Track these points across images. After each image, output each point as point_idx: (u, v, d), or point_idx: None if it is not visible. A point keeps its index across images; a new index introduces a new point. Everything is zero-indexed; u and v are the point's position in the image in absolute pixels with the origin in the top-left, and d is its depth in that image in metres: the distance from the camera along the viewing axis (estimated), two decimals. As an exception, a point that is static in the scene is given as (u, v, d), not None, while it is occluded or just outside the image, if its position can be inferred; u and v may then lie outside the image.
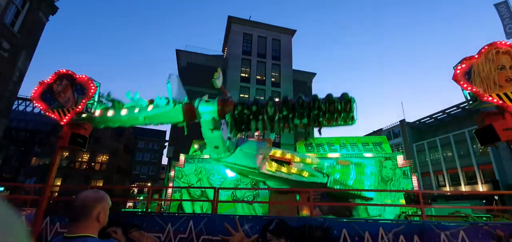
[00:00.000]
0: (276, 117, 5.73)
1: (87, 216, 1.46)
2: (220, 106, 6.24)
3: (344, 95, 5.55)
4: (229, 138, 7.47)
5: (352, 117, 5.52)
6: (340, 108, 5.44)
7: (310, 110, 5.56)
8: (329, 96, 5.63)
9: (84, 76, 5.97)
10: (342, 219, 6.18)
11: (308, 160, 8.36)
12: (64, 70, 6.09)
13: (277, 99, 6.03)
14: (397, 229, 4.62)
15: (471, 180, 30.20)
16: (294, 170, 8.03)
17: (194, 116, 6.42)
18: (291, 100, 5.84)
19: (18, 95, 19.36)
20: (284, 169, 8.04)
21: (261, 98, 29.31)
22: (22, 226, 0.65)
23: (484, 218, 8.47)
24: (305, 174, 7.96)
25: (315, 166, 8.34)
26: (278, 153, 8.48)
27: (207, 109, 6.34)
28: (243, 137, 8.10)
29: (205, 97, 6.59)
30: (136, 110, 6.35)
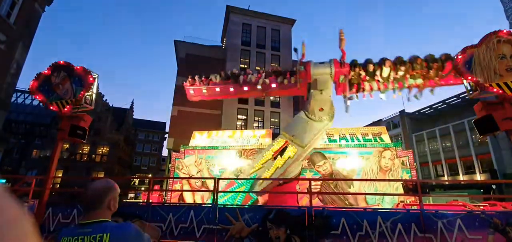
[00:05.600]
0: (391, 77, 5.81)
1: (100, 204, 1.55)
2: (336, 69, 6.28)
3: (446, 55, 5.66)
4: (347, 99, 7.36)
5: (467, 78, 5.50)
6: (459, 69, 5.41)
7: (428, 70, 5.60)
8: (446, 54, 5.68)
9: (81, 67, 5.93)
10: (341, 208, 6.25)
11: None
12: (61, 62, 6.04)
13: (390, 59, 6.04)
14: (395, 218, 4.69)
15: (469, 170, 30.44)
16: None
17: (309, 77, 6.50)
18: (407, 59, 5.85)
19: (16, 88, 19.26)
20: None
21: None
22: (28, 220, 0.64)
23: (482, 207, 8.57)
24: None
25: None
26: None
27: (321, 71, 6.43)
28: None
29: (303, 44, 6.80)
30: None
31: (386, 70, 5.87)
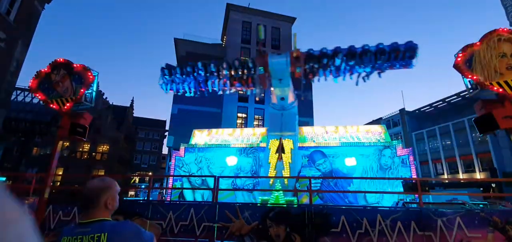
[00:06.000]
0: (343, 67, 6.20)
1: (97, 203, 1.53)
2: (292, 59, 6.52)
3: (408, 43, 5.87)
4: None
5: (412, 59, 5.93)
6: (403, 57, 5.82)
7: (376, 60, 5.94)
8: (395, 45, 5.93)
9: (79, 65, 5.92)
10: (341, 205, 6.27)
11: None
12: (61, 60, 6.03)
13: (342, 50, 6.36)
14: (394, 216, 4.70)
15: (469, 168, 30.47)
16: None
17: (266, 66, 6.70)
18: (358, 50, 6.16)
19: (16, 86, 19.23)
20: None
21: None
22: (27, 219, 0.63)
23: (481, 205, 8.60)
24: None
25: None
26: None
27: (278, 61, 6.67)
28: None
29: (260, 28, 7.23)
30: None
31: (338, 61, 6.28)
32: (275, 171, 7.95)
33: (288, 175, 7.79)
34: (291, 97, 8.21)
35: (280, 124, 8.43)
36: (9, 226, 0.55)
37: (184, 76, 7.36)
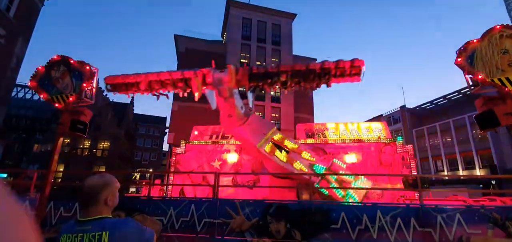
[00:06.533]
0: (288, 83, 6.22)
1: (96, 201, 1.51)
2: (235, 78, 6.42)
3: (354, 61, 5.83)
4: (241, 107, 7.81)
5: (359, 76, 5.89)
6: (349, 73, 5.85)
7: (320, 78, 6.03)
8: (340, 61, 5.93)
9: (79, 61, 5.91)
10: (341, 202, 6.29)
11: (304, 155, 8.29)
12: (59, 56, 6.02)
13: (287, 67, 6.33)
14: (394, 212, 4.71)
15: (469, 165, 30.50)
16: (287, 157, 8.09)
17: (210, 84, 6.55)
18: (301, 68, 6.19)
19: (16, 82, 19.23)
20: (280, 154, 8.10)
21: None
22: (26, 217, 0.61)
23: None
24: (297, 164, 7.94)
25: (309, 160, 8.30)
26: (278, 136, 8.51)
27: (219, 78, 6.48)
28: (254, 111, 8.61)
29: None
30: None
31: (283, 79, 6.26)
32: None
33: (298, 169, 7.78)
34: (237, 112, 7.68)
35: (259, 126, 8.58)
36: (6, 224, 0.54)
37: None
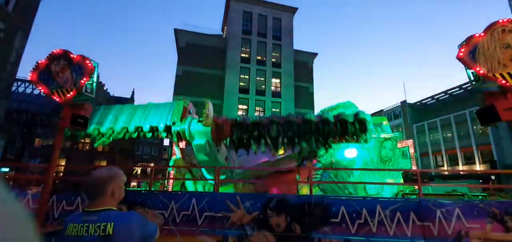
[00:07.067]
0: (280, 139, 5.30)
1: (102, 193, 1.54)
2: (214, 134, 5.69)
3: (359, 115, 5.13)
4: (226, 159, 6.82)
5: (365, 139, 5.15)
6: (353, 130, 5.06)
7: (319, 133, 5.15)
8: (341, 116, 5.18)
9: (79, 55, 5.90)
10: (340, 196, 6.32)
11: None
12: (59, 50, 6.00)
13: (279, 119, 5.53)
14: (394, 206, 4.74)
15: (469, 160, 30.57)
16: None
17: (186, 139, 5.96)
18: (297, 120, 5.31)
19: (17, 77, 19.21)
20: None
21: (262, 80, 29.00)
22: (23, 212, 0.61)
23: (480, 197, 8.64)
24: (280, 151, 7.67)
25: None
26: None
27: (200, 131, 5.79)
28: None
29: (207, 103, 5.97)
30: None
31: (274, 132, 5.49)
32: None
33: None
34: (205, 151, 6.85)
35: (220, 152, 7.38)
36: (9, 222, 0.54)
37: None
